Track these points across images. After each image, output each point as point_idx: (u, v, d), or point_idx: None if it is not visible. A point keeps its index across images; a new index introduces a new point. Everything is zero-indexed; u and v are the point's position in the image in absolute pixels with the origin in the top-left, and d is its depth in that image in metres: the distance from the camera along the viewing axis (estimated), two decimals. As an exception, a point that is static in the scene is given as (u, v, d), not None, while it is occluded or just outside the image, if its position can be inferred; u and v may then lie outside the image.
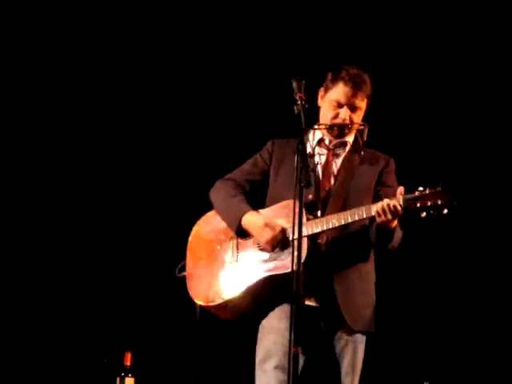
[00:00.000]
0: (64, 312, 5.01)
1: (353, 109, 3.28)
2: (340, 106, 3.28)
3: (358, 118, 3.31)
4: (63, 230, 5.15)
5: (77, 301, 5.03)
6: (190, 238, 3.41)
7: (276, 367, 3.11)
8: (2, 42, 5.04)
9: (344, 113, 3.27)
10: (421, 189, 2.99)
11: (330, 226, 3.08)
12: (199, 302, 3.30)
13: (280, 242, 3.16)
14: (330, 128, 3.30)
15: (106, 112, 5.23)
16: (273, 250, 3.18)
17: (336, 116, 3.29)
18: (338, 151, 3.32)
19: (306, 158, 2.79)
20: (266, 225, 3.19)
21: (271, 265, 3.17)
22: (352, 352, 3.18)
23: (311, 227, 3.08)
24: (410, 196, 2.99)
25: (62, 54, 5.13)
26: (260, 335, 3.24)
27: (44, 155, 5.19)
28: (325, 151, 3.34)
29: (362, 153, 3.32)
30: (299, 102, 2.97)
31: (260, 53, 5.10)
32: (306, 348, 3.08)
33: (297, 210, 2.74)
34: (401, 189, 3.03)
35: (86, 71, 5.17)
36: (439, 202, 2.93)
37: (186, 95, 5.22)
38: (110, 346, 4.80)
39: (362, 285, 3.21)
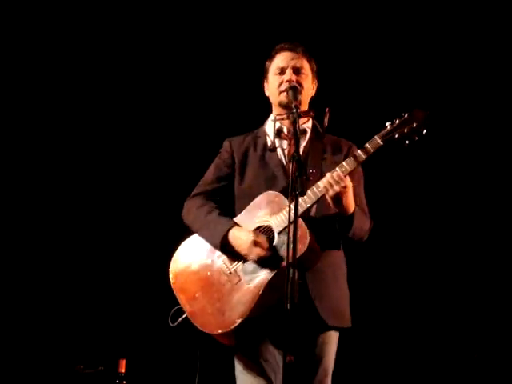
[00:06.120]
0: (60, 319, 5.06)
1: (296, 71, 3.25)
2: (283, 72, 3.26)
3: (305, 81, 3.25)
4: (62, 235, 5.19)
5: (73, 308, 5.08)
6: (172, 280, 3.27)
7: None
8: (2, 42, 5.11)
9: (288, 74, 3.24)
10: (389, 123, 3.01)
11: (314, 199, 3.02)
12: (217, 331, 3.12)
13: (269, 258, 3.06)
14: (283, 106, 3.20)
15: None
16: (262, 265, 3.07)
17: (281, 83, 3.25)
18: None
19: (301, 166, 2.75)
20: (255, 243, 3.08)
21: (275, 260, 3.04)
22: (325, 352, 3.14)
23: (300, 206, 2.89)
24: (384, 132, 3.00)
25: (62, 54, 5.20)
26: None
27: (34, 156, 5.23)
28: (285, 142, 3.28)
29: (324, 140, 3.25)
30: (295, 110, 3.00)
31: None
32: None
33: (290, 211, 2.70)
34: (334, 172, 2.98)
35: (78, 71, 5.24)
36: (415, 125, 2.96)
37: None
38: (105, 353, 4.82)
39: (335, 278, 3.17)
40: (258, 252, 3.08)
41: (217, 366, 4.42)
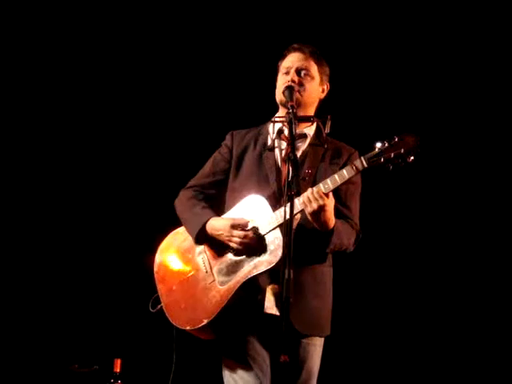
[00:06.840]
0: (55, 319, 5.06)
1: (300, 72, 3.24)
2: (288, 72, 3.25)
3: (309, 83, 3.24)
4: (57, 235, 5.20)
5: (68, 308, 5.08)
6: (156, 269, 3.32)
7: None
8: (2, 42, 5.11)
9: (291, 74, 3.23)
10: (379, 144, 2.92)
11: (294, 211, 2.90)
12: (186, 327, 3.16)
13: (253, 240, 3.05)
14: (283, 106, 3.21)
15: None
16: (247, 251, 3.06)
17: (285, 83, 3.22)
18: (298, 144, 3.19)
19: (296, 166, 2.74)
20: (233, 226, 3.09)
21: (251, 266, 3.04)
22: (308, 354, 3.13)
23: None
24: (371, 154, 2.92)
25: (61, 53, 5.21)
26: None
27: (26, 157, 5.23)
28: (285, 144, 3.23)
29: (326, 146, 3.23)
30: (290, 110, 2.99)
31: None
32: (273, 356, 3.04)
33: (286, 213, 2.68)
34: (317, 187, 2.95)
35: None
36: (402, 151, 2.86)
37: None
38: (100, 352, 4.82)
39: (316, 287, 3.15)
40: (238, 233, 3.07)
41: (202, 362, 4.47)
